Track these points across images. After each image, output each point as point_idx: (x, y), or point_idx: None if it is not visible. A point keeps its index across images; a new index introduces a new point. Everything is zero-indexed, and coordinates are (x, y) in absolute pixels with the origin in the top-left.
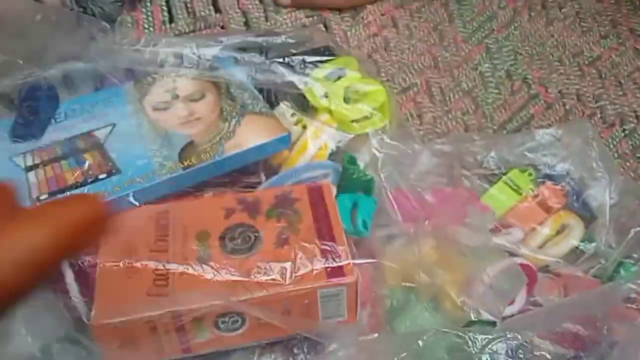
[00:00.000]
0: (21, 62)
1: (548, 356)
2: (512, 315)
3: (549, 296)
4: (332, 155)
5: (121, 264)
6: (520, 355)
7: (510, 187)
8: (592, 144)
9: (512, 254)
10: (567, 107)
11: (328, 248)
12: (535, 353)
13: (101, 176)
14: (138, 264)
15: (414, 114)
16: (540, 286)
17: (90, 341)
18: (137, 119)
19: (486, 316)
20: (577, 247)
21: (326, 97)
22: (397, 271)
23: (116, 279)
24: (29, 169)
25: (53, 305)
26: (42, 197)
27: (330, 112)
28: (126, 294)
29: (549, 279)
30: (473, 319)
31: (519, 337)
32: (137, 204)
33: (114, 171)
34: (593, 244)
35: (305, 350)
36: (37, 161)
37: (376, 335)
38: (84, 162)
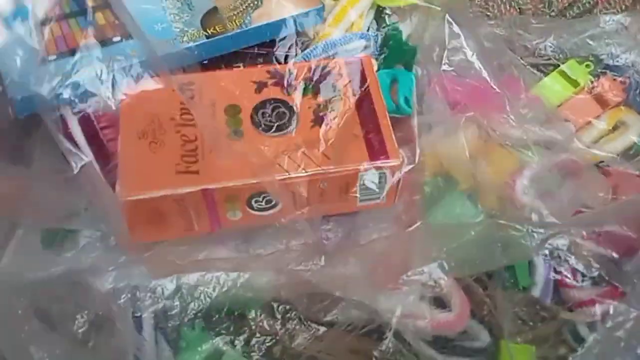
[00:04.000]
0: None
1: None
2: None
3: (597, 194)
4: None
5: (145, 138)
6: (584, 252)
7: (565, 77)
8: None
9: (562, 149)
10: None
11: (370, 127)
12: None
13: (115, 39)
14: (164, 138)
15: None
16: (588, 184)
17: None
18: None
19: (550, 218)
20: (633, 145)
21: None
22: (437, 160)
23: (140, 154)
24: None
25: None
26: (50, 58)
27: None
28: (153, 170)
29: (598, 177)
30: (534, 220)
31: (584, 233)
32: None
33: (129, 34)
34: None
35: (339, 229)
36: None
37: (419, 223)
38: (94, 22)
